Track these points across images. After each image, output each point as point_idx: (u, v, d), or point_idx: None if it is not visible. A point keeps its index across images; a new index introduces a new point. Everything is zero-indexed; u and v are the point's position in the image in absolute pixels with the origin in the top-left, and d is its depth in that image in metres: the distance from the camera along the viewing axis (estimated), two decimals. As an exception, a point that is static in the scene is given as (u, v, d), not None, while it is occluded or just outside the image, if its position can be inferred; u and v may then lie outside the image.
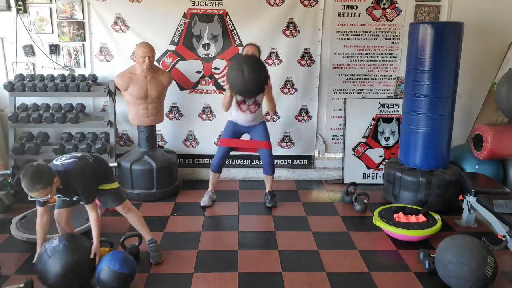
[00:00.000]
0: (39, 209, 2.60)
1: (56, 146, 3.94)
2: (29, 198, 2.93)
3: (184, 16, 4.18)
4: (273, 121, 4.46)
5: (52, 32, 4.18)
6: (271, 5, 4.18)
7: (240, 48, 4.25)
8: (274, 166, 3.89)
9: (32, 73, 4.25)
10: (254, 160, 4.56)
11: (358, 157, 4.49)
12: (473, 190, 3.36)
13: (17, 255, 2.98)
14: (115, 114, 4.20)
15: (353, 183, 4.10)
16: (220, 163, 3.85)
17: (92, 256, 2.58)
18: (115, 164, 4.02)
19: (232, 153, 4.53)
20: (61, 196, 2.65)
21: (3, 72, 4.25)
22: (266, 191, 3.93)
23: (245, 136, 3.91)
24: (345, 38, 4.32)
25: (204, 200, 3.85)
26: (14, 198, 3.79)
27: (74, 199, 2.65)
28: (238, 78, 3.39)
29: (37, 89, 4.03)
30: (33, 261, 2.61)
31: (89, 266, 2.58)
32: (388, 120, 4.45)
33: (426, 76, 3.64)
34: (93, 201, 2.65)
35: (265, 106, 3.77)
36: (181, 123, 4.47)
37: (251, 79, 3.40)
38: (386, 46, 4.35)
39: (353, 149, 4.48)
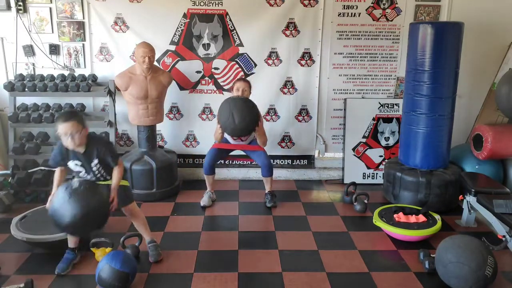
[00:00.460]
0: (58, 168, 2.72)
1: (56, 146, 3.93)
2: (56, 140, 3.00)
3: (184, 16, 4.18)
4: (273, 121, 4.46)
5: (52, 32, 4.18)
6: (271, 5, 4.18)
7: (240, 48, 4.26)
8: (272, 168, 3.89)
9: (32, 73, 4.25)
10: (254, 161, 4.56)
11: (358, 157, 4.49)
12: (473, 190, 3.36)
13: (17, 255, 2.98)
14: (115, 114, 4.20)
15: (353, 183, 4.10)
16: (211, 165, 3.85)
17: (110, 199, 2.61)
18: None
19: (232, 153, 4.55)
20: (79, 163, 2.68)
21: (3, 72, 4.25)
22: (266, 191, 3.93)
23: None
24: (345, 38, 4.32)
25: (204, 200, 3.85)
26: (14, 198, 3.79)
27: (93, 164, 2.67)
28: (229, 122, 3.49)
29: (37, 89, 4.02)
30: (46, 206, 2.61)
31: (106, 213, 2.58)
32: (388, 120, 4.45)
33: (426, 76, 3.64)
34: (119, 160, 2.74)
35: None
36: (181, 123, 4.47)
37: (241, 125, 3.50)
38: (386, 46, 4.35)
39: (353, 149, 4.48)
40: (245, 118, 3.49)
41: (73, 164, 2.70)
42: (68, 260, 2.84)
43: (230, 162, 4.56)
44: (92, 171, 2.71)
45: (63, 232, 2.68)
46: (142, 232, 2.98)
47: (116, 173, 2.72)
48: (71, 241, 2.87)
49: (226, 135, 3.82)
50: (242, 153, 4.49)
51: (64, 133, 2.53)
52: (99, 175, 2.73)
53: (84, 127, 2.61)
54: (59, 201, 2.46)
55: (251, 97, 3.77)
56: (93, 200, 2.49)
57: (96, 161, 2.69)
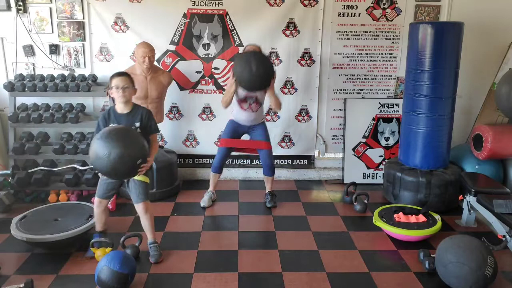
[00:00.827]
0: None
1: (56, 146, 3.93)
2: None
3: (184, 16, 4.18)
4: (273, 121, 4.46)
5: (52, 32, 4.18)
6: (271, 5, 4.18)
7: (240, 48, 4.26)
8: (274, 167, 3.89)
9: (32, 73, 4.25)
10: (254, 160, 4.56)
11: (358, 157, 4.49)
12: (473, 190, 3.36)
13: (17, 255, 2.98)
14: (115, 114, 4.20)
15: (353, 183, 4.10)
16: (221, 164, 3.85)
17: (143, 170, 2.74)
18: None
19: (232, 153, 4.54)
20: (123, 116, 2.84)
21: (3, 72, 4.25)
22: (266, 191, 3.93)
23: (245, 137, 3.91)
24: (345, 38, 4.32)
25: (204, 200, 3.85)
26: (14, 198, 3.79)
27: (135, 126, 2.83)
28: (245, 72, 3.38)
29: (37, 89, 4.02)
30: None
31: (135, 166, 2.67)
32: (388, 120, 4.45)
33: (426, 76, 3.64)
34: (158, 131, 3.01)
35: (267, 106, 3.76)
36: (181, 123, 4.47)
37: (259, 72, 3.39)
38: (386, 46, 4.35)
39: (353, 149, 4.48)
40: (262, 64, 3.41)
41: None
42: (97, 236, 3.01)
43: (230, 162, 4.55)
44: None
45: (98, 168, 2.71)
46: (147, 231, 2.99)
47: (153, 144, 2.96)
48: (98, 225, 3.03)
49: (235, 110, 3.72)
50: (242, 153, 4.50)
51: (116, 86, 2.77)
52: None
53: (134, 87, 2.87)
54: (103, 139, 2.60)
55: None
56: (132, 146, 2.63)
57: (138, 124, 2.85)
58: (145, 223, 2.96)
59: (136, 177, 2.83)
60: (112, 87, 2.80)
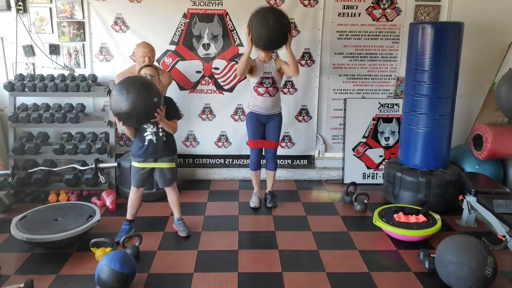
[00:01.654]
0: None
1: (56, 146, 3.93)
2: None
3: (184, 16, 4.18)
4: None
5: (52, 32, 4.18)
6: (271, 5, 4.18)
7: (240, 48, 4.26)
8: (276, 163, 3.89)
9: (32, 73, 4.25)
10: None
11: (358, 157, 4.49)
12: (473, 190, 3.36)
13: (17, 255, 2.98)
14: (115, 114, 4.19)
15: (353, 183, 4.10)
16: (257, 161, 3.85)
17: (160, 113, 2.94)
18: (115, 164, 4.01)
19: (232, 153, 4.55)
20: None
21: (3, 72, 4.25)
22: (267, 191, 3.93)
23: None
24: (345, 38, 4.32)
25: (253, 201, 3.86)
26: (14, 198, 3.80)
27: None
28: (263, 27, 3.29)
29: (37, 89, 4.03)
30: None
31: (153, 105, 2.87)
32: (388, 120, 4.45)
33: (426, 76, 3.64)
34: (178, 118, 3.28)
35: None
36: (181, 123, 4.41)
37: (277, 26, 3.30)
38: (386, 46, 4.35)
39: (353, 149, 4.48)
40: (280, 19, 3.32)
41: None
42: (125, 230, 3.26)
43: (230, 162, 4.56)
44: (156, 123, 3.08)
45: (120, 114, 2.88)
46: (174, 208, 3.37)
47: (171, 122, 3.14)
48: (130, 213, 3.31)
49: (252, 98, 3.68)
50: (243, 153, 4.51)
51: (144, 73, 3.08)
52: (161, 128, 3.13)
53: (159, 78, 3.21)
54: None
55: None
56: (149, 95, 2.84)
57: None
58: (171, 200, 3.34)
59: (165, 165, 3.20)
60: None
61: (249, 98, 3.74)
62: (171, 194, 3.33)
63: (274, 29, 3.30)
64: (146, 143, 3.14)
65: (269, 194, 3.91)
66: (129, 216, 3.32)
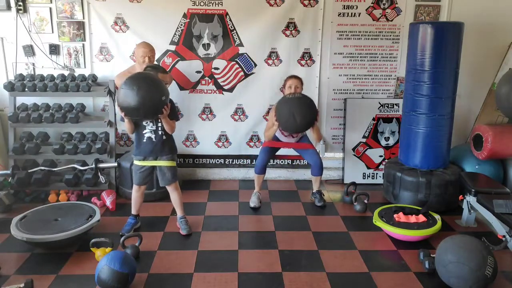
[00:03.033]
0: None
1: (56, 146, 3.93)
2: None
3: (184, 16, 4.18)
4: (273, 121, 4.46)
5: (52, 32, 4.18)
6: (271, 5, 4.18)
7: (240, 48, 4.26)
8: (322, 167, 3.90)
9: (32, 73, 4.25)
10: (254, 161, 4.54)
11: (358, 157, 4.49)
12: (473, 190, 3.36)
13: (17, 255, 2.98)
14: (115, 114, 4.19)
15: (353, 183, 4.10)
16: (264, 164, 3.87)
17: (165, 110, 3.02)
18: (115, 164, 4.01)
19: (232, 153, 4.55)
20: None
21: (3, 72, 4.25)
22: (314, 191, 3.96)
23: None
24: (345, 38, 4.32)
25: (254, 201, 3.86)
26: (14, 198, 3.80)
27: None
28: (289, 123, 3.50)
29: (37, 89, 4.03)
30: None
31: (160, 102, 2.94)
32: (388, 120, 4.46)
33: (426, 76, 3.64)
34: (176, 119, 3.30)
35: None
36: (181, 123, 4.46)
37: (303, 123, 3.50)
38: (386, 46, 4.35)
39: (353, 149, 4.48)
40: (305, 117, 3.49)
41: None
42: (131, 224, 3.34)
43: (230, 162, 4.56)
44: (156, 121, 3.15)
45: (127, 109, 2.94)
46: (176, 207, 3.41)
47: (171, 121, 3.19)
48: (134, 208, 3.37)
49: (279, 132, 3.81)
50: (243, 153, 4.50)
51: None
52: (160, 127, 3.18)
53: (169, 83, 3.48)
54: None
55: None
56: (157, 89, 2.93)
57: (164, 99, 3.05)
58: (174, 199, 3.38)
59: (164, 164, 3.24)
60: None
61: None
62: (173, 193, 3.37)
63: (300, 125, 3.52)
64: (144, 141, 3.19)
65: (317, 193, 3.93)
66: (133, 211, 3.39)
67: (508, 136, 3.80)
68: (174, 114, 3.25)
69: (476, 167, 3.96)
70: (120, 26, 4.18)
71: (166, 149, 3.25)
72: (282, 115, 3.52)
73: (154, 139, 3.18)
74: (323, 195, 3.96)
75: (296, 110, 3.46)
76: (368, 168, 4.50)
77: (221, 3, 4.17)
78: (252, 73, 4.33)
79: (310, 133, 3.81)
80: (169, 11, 4.15)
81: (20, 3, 4.03)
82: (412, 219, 3.29)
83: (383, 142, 4.48)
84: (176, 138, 4.45)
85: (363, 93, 4.49)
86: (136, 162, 3.26)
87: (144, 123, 3.15)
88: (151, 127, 3.16)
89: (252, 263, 2.94)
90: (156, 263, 2.92)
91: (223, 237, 3.32)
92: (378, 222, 3.28)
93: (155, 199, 3.95)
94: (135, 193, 3.34)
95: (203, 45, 4.27)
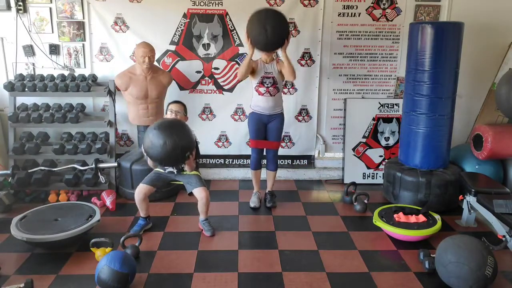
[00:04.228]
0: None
1: (56, 146, 3.93)
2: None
3: (184, 16, 4.18)
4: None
5: (52, 32, 4.18)
6: (271, 5, 4.18)
7: (240, 48, 4.26)
8: (277, 163, 3.89)
9: (32, 73, 4.25)
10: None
11: (358, 157, 4.49)
12: (473, 190, 3.36)
13: (17, 255, 2.98)
14: (115, 114, 4.20)
15: (353, 183, 4.10)
16: (257, 160, 3.85)
17: (189, 162, 3.16)
18: (115, 164, 4.02)
19: (232, 153, 4.55)
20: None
21: (3, 72, 4.25)
22: (267, 191, 3.94)
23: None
24: (345, 38, 4.32)
25: (253, 201, 3.86)
26: (14, 198, 3.80)
27: None
28: (261, 36, 3.37)
29: (37, 89, 4.03)
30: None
31: (184, 157, 3.01)
32: (388, 120, 4.45)
33: (426, 76, 3.64)
34: (197, 159, 3.39)
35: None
36: (181, 123, 4.47)
37: (274, 32, 3.36)
38: (386, 46, 4.35)
39: (353, 149, 4.48)
40: (277, 30, 3.37)
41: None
42: (141, 225, 3.32)
43: (230, 162, 4.56)
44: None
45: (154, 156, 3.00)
46: (201, 211, 3.34)
47: (192, 162, 3.28)
48: (142, 212, 3.33)
49: (254, 98, 3.69)
50: (243, 153, 4.51)
51: (171, 110, 3.36)
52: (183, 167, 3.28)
53: (185, 114, 3.47)
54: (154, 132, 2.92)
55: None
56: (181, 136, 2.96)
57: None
58: (201, 203, 3.30)
59: (189, 172, 3.31)
60: (168, 110, 3.41)
61: (251, 99, 3.74)
62: (201, 200, 3.30)
63: (271, 34, 3.34)
64: (165, 172, 3.34)
65: (269, 194, 3.91)
66: (142, 214, 3.36)
67: (508, 136, 3.80)
68: (197, 155, 3.35)
69: (476, 167, 3.96)
70: (120, 26, 4.18)
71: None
72: (252, 26, 3.42)
73: (176, 173, 3.33)
74: (275, 196, 3.94)
75: (267, 19, 3.35)
76: (368, 168, 4.50)
77: (221, 3, 4.17)
78: (252, 73, 4.33)
79: (285, 71, 3.60)
80: (169, 11, 4.15)
81: (20, 3, 4.03)
82: (412, 219, 3.29)
83: (383, 142, 4.48)
84: (176, 138, 4.50)
85: (363, 93, 4.49)
86: (158, 169, 3.36)
87: None
88: (173, 168, 3.31)
89: (252, 263, 2.94)
90: (156, 263, 2.92)
91: (223, 237, 3.32)
92: (378, 222, 3.28)
93: (155, 199, 3.95)
94: (137, 196, 3.25)
95: (203, 45, 4.27)
